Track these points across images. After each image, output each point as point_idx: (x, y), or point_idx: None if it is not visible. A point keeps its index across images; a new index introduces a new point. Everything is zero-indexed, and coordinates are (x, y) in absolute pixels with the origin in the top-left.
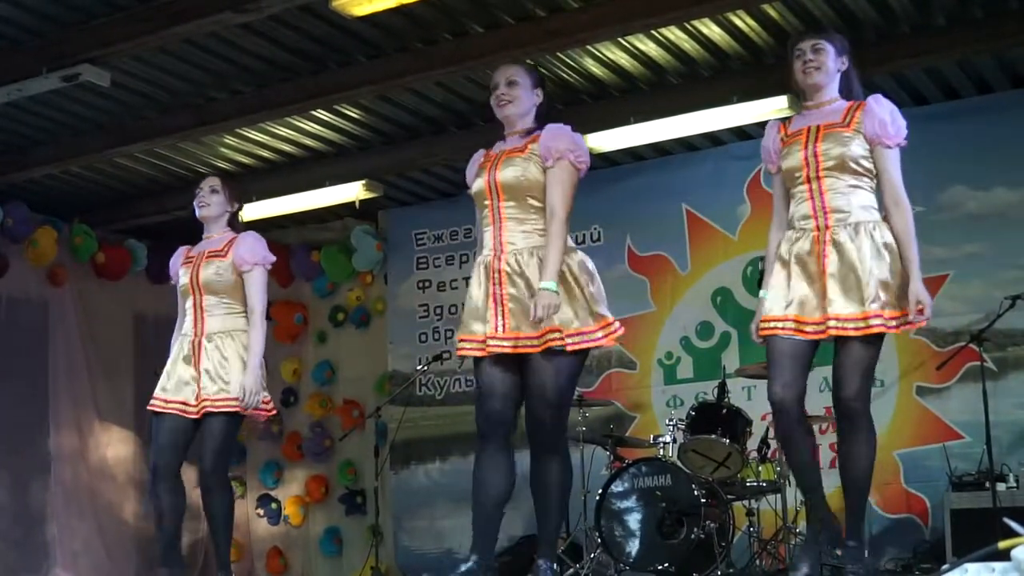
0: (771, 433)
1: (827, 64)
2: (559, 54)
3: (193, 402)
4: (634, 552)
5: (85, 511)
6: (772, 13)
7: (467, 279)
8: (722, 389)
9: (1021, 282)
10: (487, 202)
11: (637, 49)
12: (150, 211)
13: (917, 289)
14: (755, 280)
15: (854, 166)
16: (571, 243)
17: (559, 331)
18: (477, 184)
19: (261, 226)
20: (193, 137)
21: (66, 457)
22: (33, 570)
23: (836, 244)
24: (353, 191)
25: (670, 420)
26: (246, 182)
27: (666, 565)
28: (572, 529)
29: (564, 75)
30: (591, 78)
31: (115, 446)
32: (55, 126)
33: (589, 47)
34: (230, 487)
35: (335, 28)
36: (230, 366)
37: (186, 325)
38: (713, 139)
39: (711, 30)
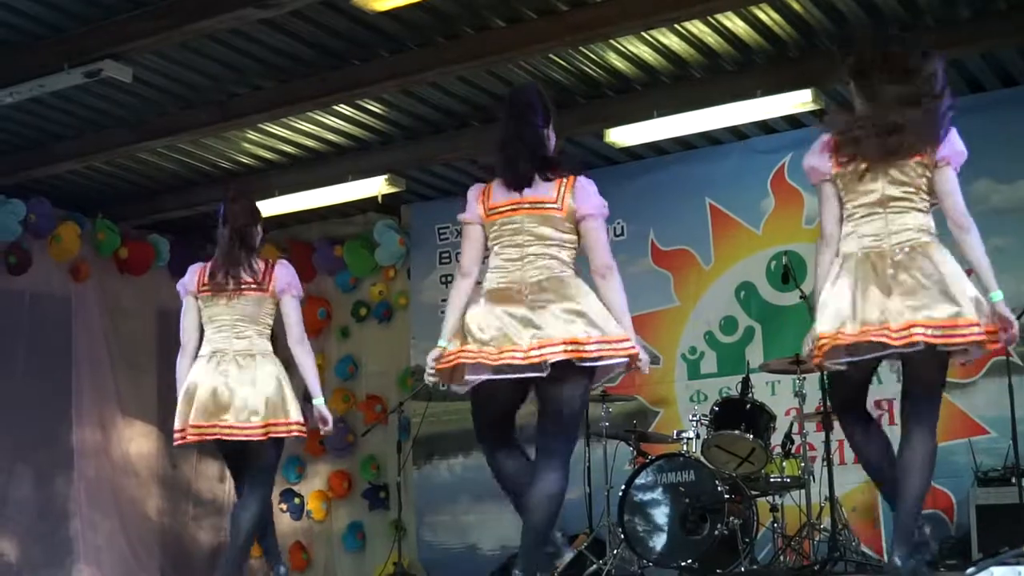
0: (795, 429)
1: None
2: (581, 48)
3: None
4: (657, 548)
5: (108, 507)
6: (796, 6)
7: None
8: (745, 384)
9: None
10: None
11: (660, 43)
12: (173, 206)
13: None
14: (779, 275)
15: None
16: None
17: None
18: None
19: (283, 221)
20: (215, 132)
21: (89, 453)
22: (56, 565)
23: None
24: (375, 186)
25: (693, 415)
26: (268, 177)
27: (689, 561)
28: (595, 525)
29: (586, 69)
30: (613, 72)
31: (138, 441)
32: (78, 121)
33: (612, 41)
34: (269, 503)
35: (356, 23)
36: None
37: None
38: (737, 133)
39: (735, 23)
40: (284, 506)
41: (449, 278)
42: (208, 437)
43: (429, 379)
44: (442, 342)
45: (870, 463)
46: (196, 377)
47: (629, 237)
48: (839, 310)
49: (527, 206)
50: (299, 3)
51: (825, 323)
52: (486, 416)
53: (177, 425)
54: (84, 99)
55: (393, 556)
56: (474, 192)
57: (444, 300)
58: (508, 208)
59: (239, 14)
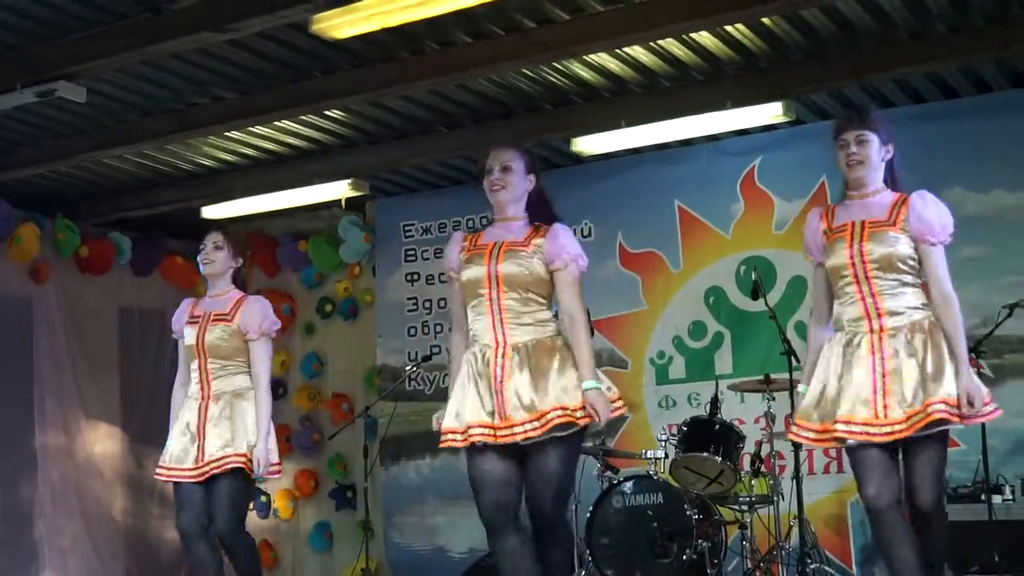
0: (764, 449)
1: (871, 157)
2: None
3: (191, 465)
4: (625, 572)
5: (73, 509)
6: (766, 20)
7: None
8: (714, 404)
9: (1020, 287)
10: (483, 291)
11: (628, 55)
12: (134, 206)
13: (967, 383)
14: (748, 280)
15: (901, 265)
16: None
17: (563, 408)
18: (473, 273)
19: (247, 219)
20: (175, 141)
21: (52, 455)
22: (22, 570)
23: (895, 350)
24: (339, 190)
25: (663, 435)
26: (229, 179)
27: None
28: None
29: (553, 79)
30: (581, 82)
31: (102, 443)
32: (35, 131)
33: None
34: (250, 539)
35: (319, 41)
36: (235, 426)
37: (192, 389)
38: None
39: (703, 36)
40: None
41: (415, 276)
42: None
43: None
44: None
45: None
46: None
47: (597, 239)
48: None
49: None
50: (259, 27)
51: None
52: None
53: None
54: (41, 110)
55: (361, 562)
56: None
57: (410, 298)
58: None
59: (197, 38)
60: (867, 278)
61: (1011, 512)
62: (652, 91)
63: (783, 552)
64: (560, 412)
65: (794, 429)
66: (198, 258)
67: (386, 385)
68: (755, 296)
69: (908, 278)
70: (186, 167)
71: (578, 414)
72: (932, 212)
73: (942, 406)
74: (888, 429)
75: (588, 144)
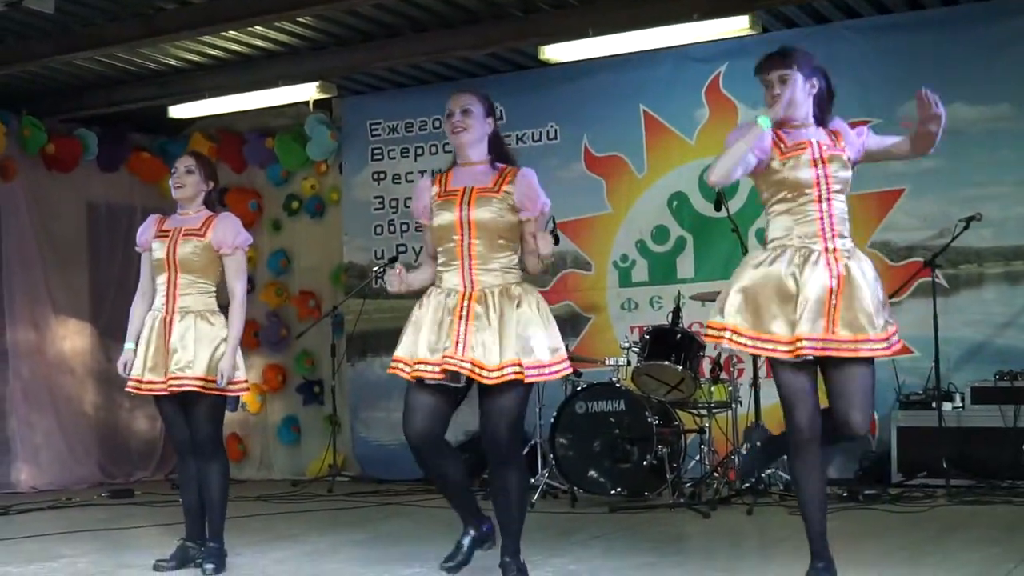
0: (723, 356)
1: (797, 95)
2: None
3: (161, 379)
4: (587, 475)
5: (45, 405)
6: None
7: (422, 172)
8: (676, 314)
9: (976, 200)
10: (455, 236)
11: None
12: (99, 103)
13: None
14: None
15: (847, 191)
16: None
17: (519, 364)
18: (445, 219)
19: (214, 117)
20: (141, 46)
21: (23, 353)
22: None
23: (849, 271)
24: (307, 92)
25: (626, 342)
26: (196, 79)
27: (619, 490)
28: (529, 442)
29: None
30: None
31: (72, 339)
32: (0, 32)
33: None
34: (225, 457)
35: None
36: (198, 348)
37: (157, 301)
38: None
39: None
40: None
41: (381, 175)
42: None
43: None
44: None
45: None
46: None
47: (562, 141)
48: None
49: None
50: None
51: None
52: None
53: None
54: (6, 13)
55: (328, 458)
56: None
57: (376, 197)
58: None
59: None
60: (828, 199)
61: (961, 419)
62: (620, 0)
63: (739, 456)
64: (515, 369)
65: (727, 336)
66: (170, 181)
67: (353, 283)
68: (718, 207)
69: (846, 203)
70: (153, 67)
71: (531, 372)
72: (854, 133)
73: (882, 345)
74: (835, 345)
75: (555, 52)
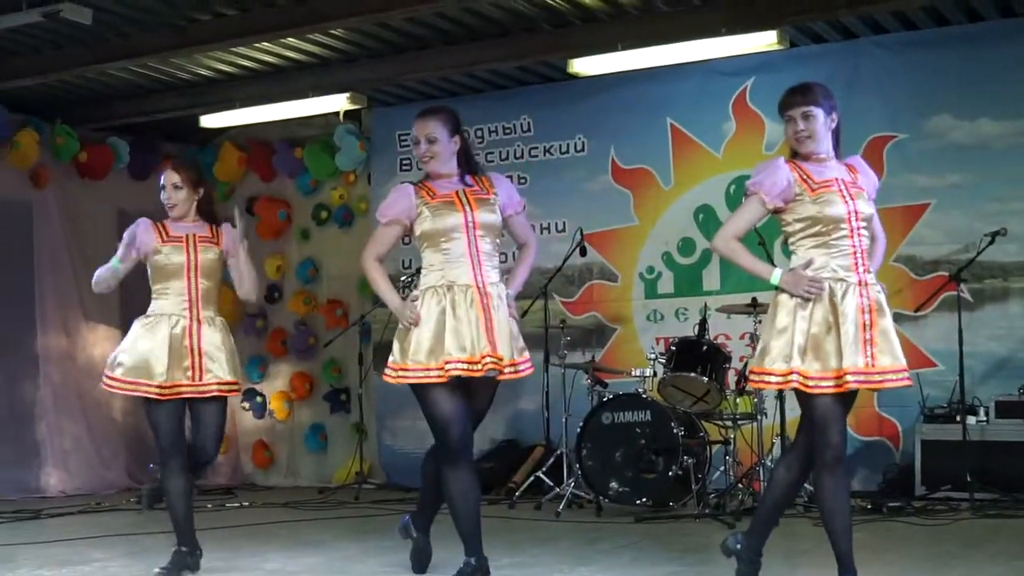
0: (750, 367)
1: (818, 131)
2: None
3: (187, 382)
4: (613, 486)
5: (74, 411)
6: None
7: None
8: (702, 326)
9: (1001, 215)
10: (459, 236)
11: None
12: (132, 112)
13: None
14: (738, 200)
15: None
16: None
17: (500, 358)
18: (450, 220)
19: (244, 126)
20: (174, 56)
21: (54, 358)
22: (25, 467)
23: (879, 304)
24: (337, 103)
25: (652, 353)
26: (228, 89)
27: (644, 500)
28: (553, 445)
29: (550, 2)
30: (579, 4)
31: (102, 345)
32: (35, 42)
33: None
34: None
35: None
36: (226, 352)
37: (174, 306)
38: None
39: None
40: (247, 404)
41: None
42: None
43: None
44: None
45: None
46: None
47: (590, 153)
48: None
49: None
50: None
51: None
52: None
53: None
54: (42, 22)
55: (355, 465)
56: None
57: None
58: None
59: None
60: (859, 233)
61: (985, 433)
62: (649, 15)
63: (764, 468)
64: (527, 365)
65: (796, 380)
66: (163, 198)
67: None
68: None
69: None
70: (185, 76)
71: (507, 370)
72: (872, 173)
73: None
74: (879, 378)
75: (584, 65)
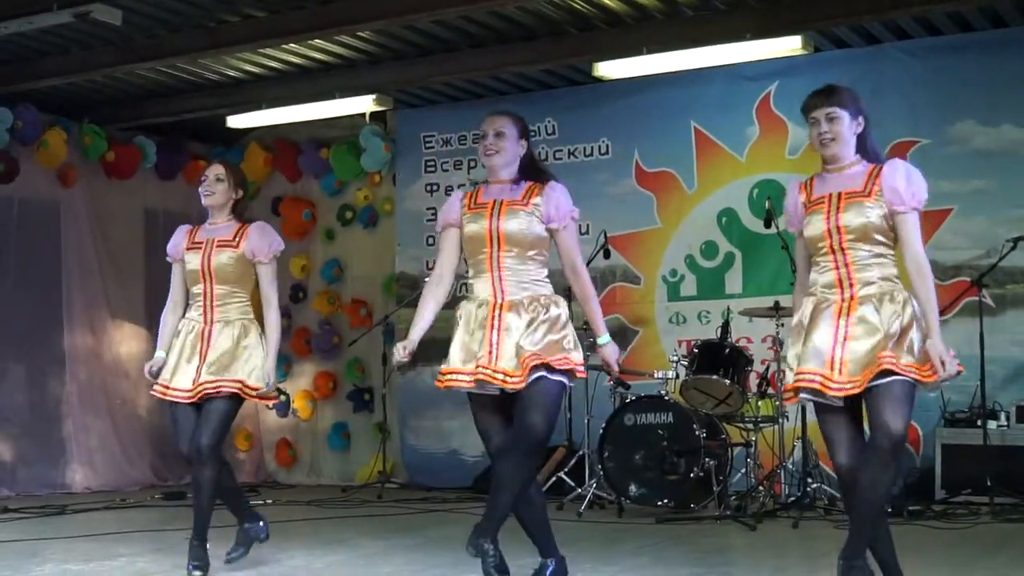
0: (771, 370)
1: (842, 133)
2: None
3: (189, 387)
4: (635, 487)
5: (100, 408)
6: None
7: (475, 185)
8: (725, 329)
9: None
10: (485, 249)
11: None
12: (159, 112)
13: (937, 344)
14: (761, 204)
15: (876, 236)
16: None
17: (498, 371)
18: (476, 229)
19: (270, 127)
20: (202, 57)
21: (80, 356)
22: (51, 464)
23: (861, 317)
24: (363, 105)
25: (674, 355)
26: (255, 90)
27: (666, 501)
28: (575, 446)
29: (578, 6)
30: (604, 7)
31: (128, 343)
32: (64, 42)
33: None
34: (223, 461)
35: None
36: (236, 354)
37: (193, 312)
38: None
39: None
40: (270, 403)
41: (434, 187)
42: None
43: None
44: None
45: None
46: None
47: (614, 156)
48: None
49: None
50: None
51: None
52: None
53: None
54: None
55: (378, 464)
56: None
57: (429, 208)
58: None
59: None
60: (842, 249)
61: (1005, 438)
62: (674, 19)
63: (785, 471)
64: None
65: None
66: (200, 189)
67: (404, 292)
68: (768, 224)
69: (883, 249)
70: (213, 77)
71: (511, 380)
72: (900, 180)
73: (892, 359)
74: (840, 385)
75: (609, 69)
